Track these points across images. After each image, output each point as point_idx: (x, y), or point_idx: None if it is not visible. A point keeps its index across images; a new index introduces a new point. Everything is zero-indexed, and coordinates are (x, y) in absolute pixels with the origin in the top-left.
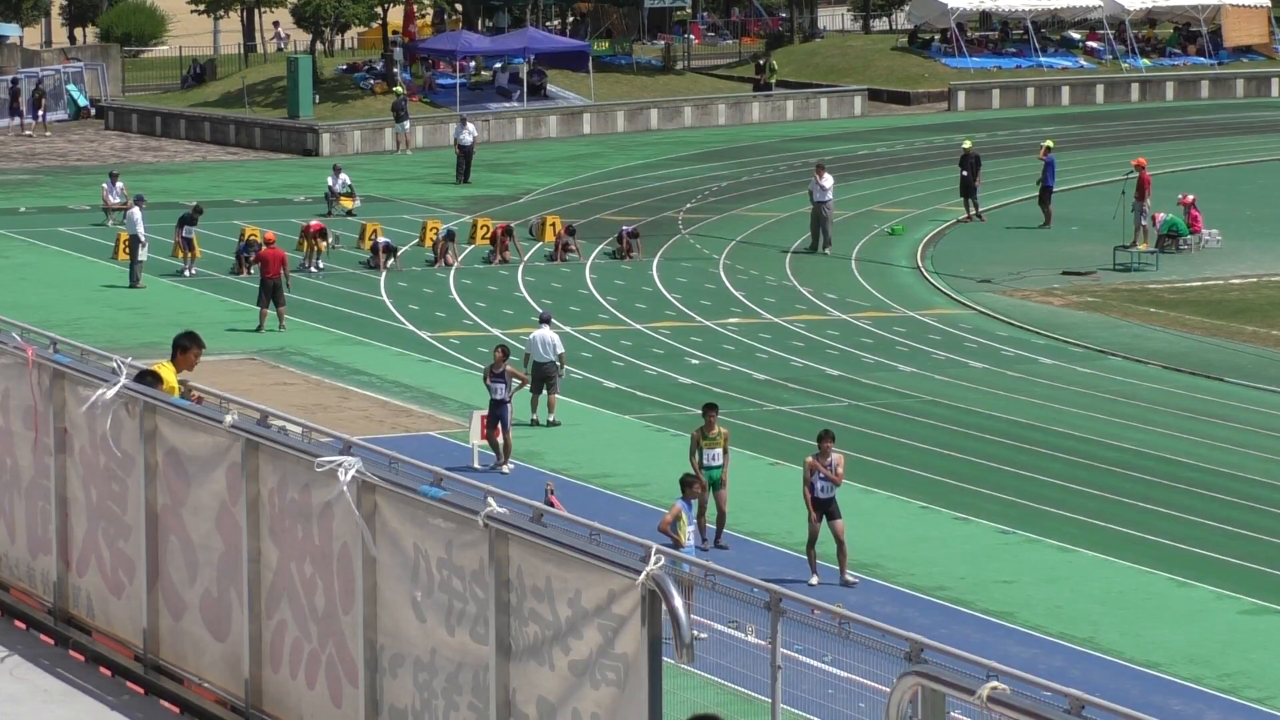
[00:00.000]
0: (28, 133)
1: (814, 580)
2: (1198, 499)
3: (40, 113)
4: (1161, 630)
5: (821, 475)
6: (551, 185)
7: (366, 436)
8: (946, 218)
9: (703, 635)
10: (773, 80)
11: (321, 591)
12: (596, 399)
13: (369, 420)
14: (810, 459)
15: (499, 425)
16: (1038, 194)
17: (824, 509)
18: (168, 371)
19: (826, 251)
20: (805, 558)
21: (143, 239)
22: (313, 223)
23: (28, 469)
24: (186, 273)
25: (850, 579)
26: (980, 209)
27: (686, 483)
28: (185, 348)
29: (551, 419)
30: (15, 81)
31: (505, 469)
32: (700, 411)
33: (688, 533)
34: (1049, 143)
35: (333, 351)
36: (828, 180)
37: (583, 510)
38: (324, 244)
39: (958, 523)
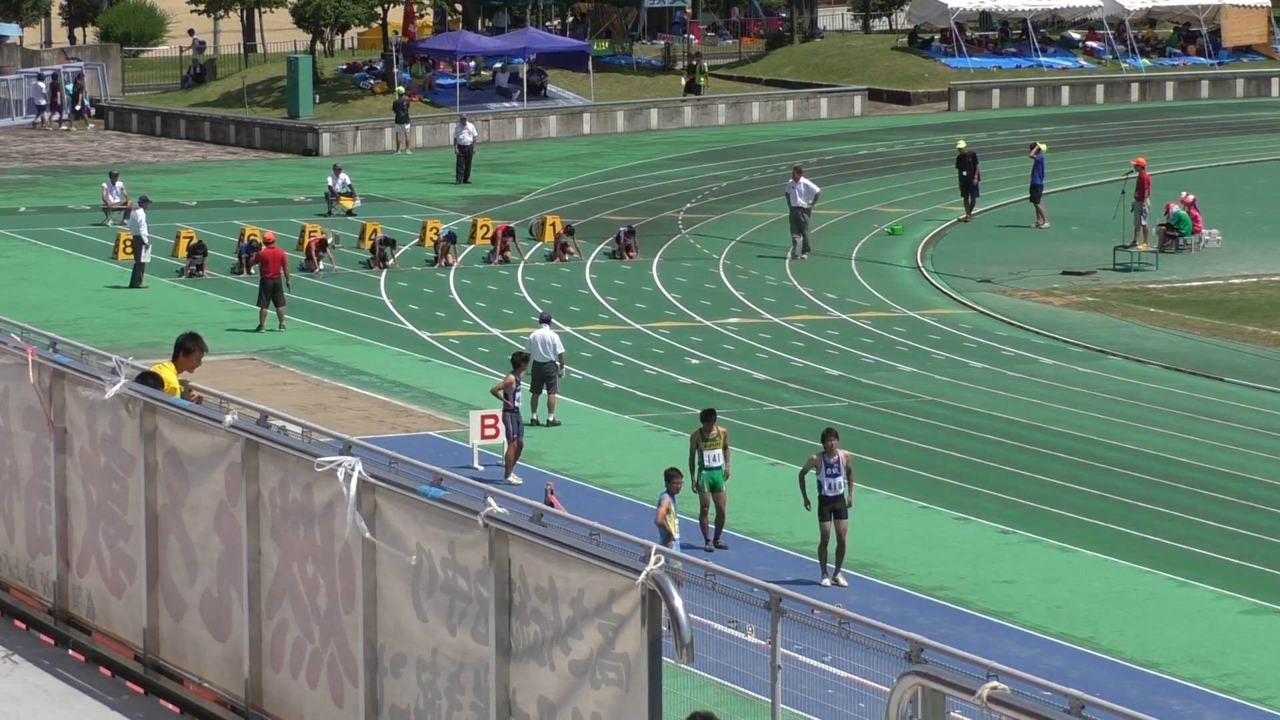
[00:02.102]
0: (65, 128)
1: (826, 581)
2: (1198, 499)
3: (78, 107)
4: (1161, 630)
5: (827, 473)
6: (551, 185)
7: (366, 436)
8: (946, 217)
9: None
10: (703, 81)
11: (324, 591)
12: (596, 399)
13: (369, 420)
14: (814, 456)
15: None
16: (1029, 193)
17: (832, 508)
18: (169, 372)
19: (804, 256)
20: (812, 559)
21: (146, 241)
22: (316, 234)
23: (27, 469)
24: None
25: (842, 580)
26: (972, 210)
27: (670, 475)
28: (189, 350)
29: (551, 419)
30: (55, 76)
31: (514, 479)
32: (700, 415)
33: (675, 525)
34: (1042, 145)
35: (333, 351)
36: (805, 184)
37: (583, 510)
38: (327, 251)
39: (958, 523)
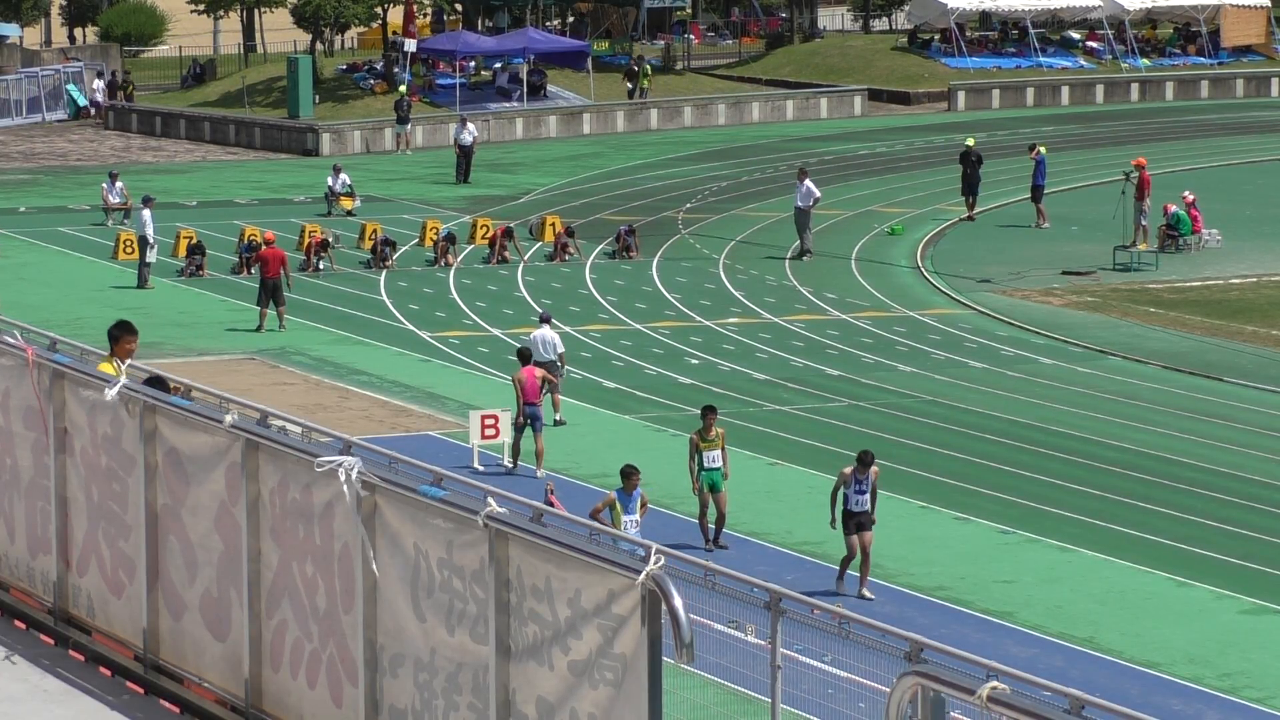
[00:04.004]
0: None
1: (867, 593)
2: (1198, 499)
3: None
4: (1161, 630)
5: (856, 488)
6: (551, 185)
7: (366, 436)
8: (947, 217)
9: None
10: (646, 85)
11: (323, 591)
12: (596, 399)
13: (369, 420)
14: (846, 470)
15: (534, 431)
16: (1030, 193)
17: (856, 521)
18: (109, 367)
19: (805, 259)
20: (811, 559)
21: (151, 240)
22: (315, 235)
23: (28, 469)
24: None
25: (868, 594)
26: (973, 209)
27: (625, 474)
28: (116, 337)
29: (557, 418)
30: (114, 74)
31: (541, 473)
32: (699, 413)
33: (624, 521)
34: (1042, 147)
35: (333, 351)
36: (807, 187)
37: (583, 510)
38: (327, 251)
39: (958, 523)
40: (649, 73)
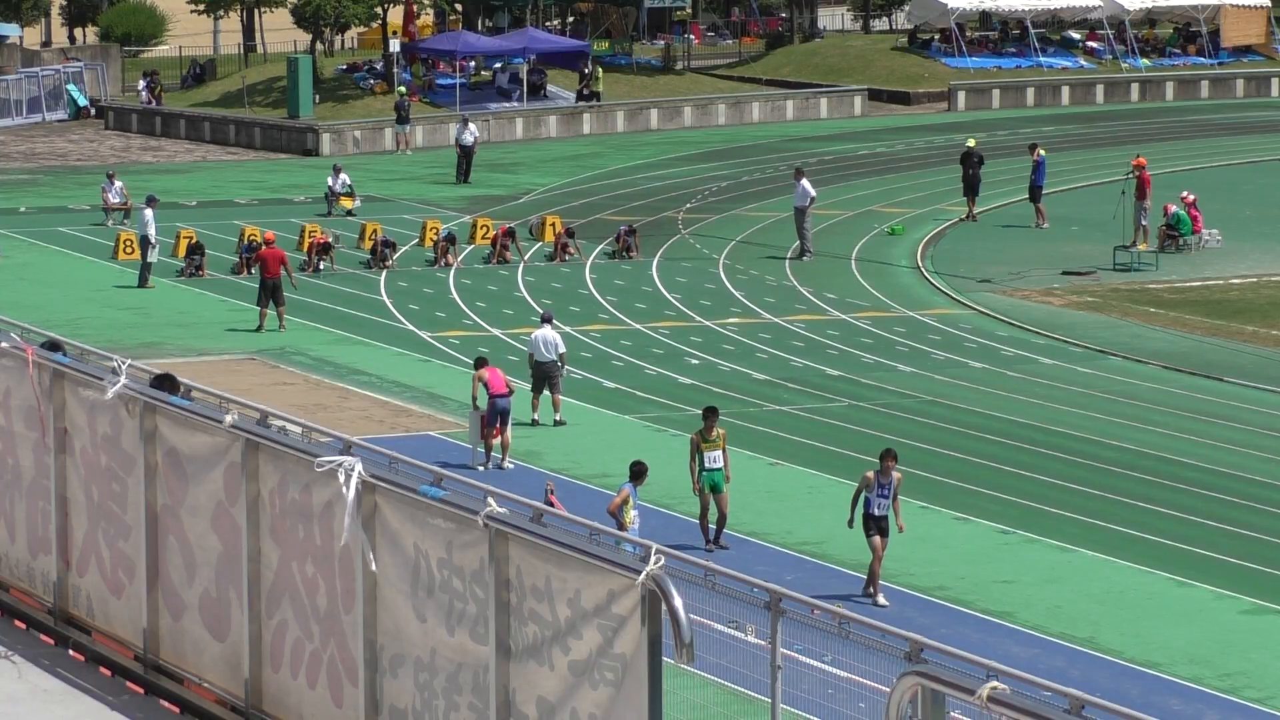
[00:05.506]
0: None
1: (882, 600)
2: (1198, 499)
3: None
4: (1161, 630)
5: (878, 493)
6: (551, 185)
7: (366, 436)
8: (947, 217)
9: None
10: (598, 89)
11: (323, 591)
12: (596, 399)
13: (369, 420)
14: (869, 474)
15: (500, 424)
16: (1029, 193)
17: (877, 525)
18: None
19: (804, 259)
20: (811, 559)
21: (153, 240)
22: (316, 235)
23: (29, 469)
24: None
25: (870, 591)
26: (974, 209)
27: (640, 471)
28: None
29: (557, 418)
30: (154, 74)
31: (507, 465)
32: (700, 414)
33: (632, 516)
34: (1041, 150)
35: (333, 351)
36: (803, 186)
37: (583, 510)
38: (329, 254)
39: (958, 523)
40: (600, 75)
